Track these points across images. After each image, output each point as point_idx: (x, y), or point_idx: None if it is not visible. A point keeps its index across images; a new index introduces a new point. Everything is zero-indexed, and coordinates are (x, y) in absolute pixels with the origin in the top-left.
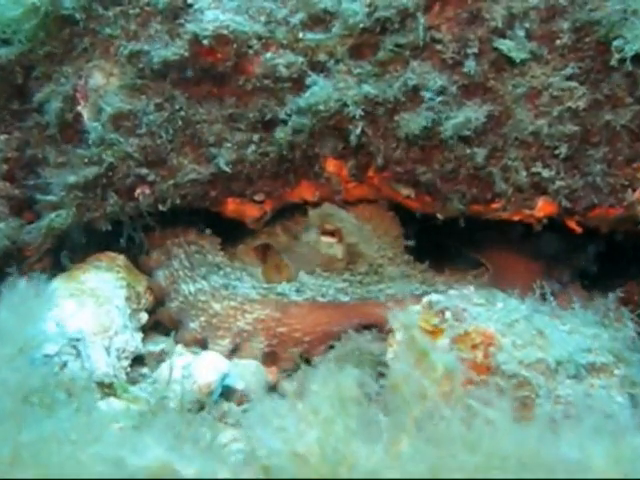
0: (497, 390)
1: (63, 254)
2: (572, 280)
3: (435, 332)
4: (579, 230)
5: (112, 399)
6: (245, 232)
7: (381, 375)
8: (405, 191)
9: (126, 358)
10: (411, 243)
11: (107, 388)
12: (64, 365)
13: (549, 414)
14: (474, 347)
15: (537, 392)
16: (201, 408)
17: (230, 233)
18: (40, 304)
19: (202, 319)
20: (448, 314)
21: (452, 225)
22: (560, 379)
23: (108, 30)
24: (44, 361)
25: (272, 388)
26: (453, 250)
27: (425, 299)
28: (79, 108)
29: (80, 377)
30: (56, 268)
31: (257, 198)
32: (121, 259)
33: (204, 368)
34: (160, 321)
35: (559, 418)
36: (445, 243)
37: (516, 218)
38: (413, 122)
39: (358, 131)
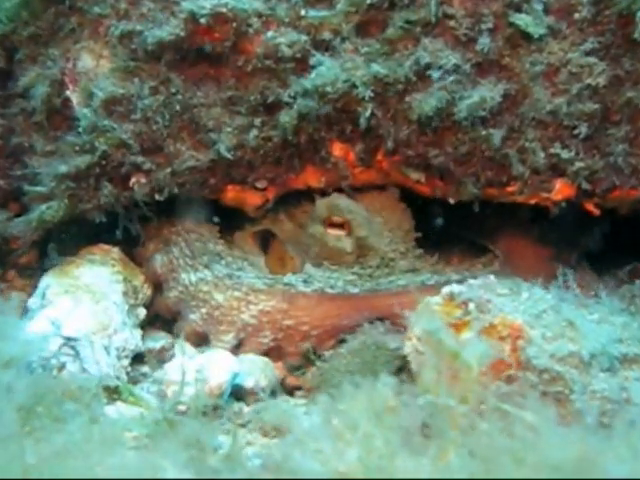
0: (529, 386)
1: (51, 247)
2: (579, 262)
3: (459, 325)
4: (597, 212)
5: (120, 404)
6: (242, 219)
7: (399, 370)
8: (415, 175)
9: (126, 357)
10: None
11: (112, 392)
12: (62, 367)
13: (589, 414)
14: (501, 340)
15: (571, 387)
16: (213, 409)
17: (226, 220)
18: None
19: (203, 310)
20: (472, 305)
21: (457, 210)
22: (594, 373)
23: (97, 9)
24: (42, 364)
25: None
26: (457, 235)
27: (446, 290)
28: (68, 93)
29: (87, 383)
30: (43, 261)
31: (259, 185)
32: (115, 252)
33: (215, 368)
34: (157, 312)
35: (597, 415)
36: (450, 229)
37: (532, 201)
38: (425, 103)
39: (368, 113)
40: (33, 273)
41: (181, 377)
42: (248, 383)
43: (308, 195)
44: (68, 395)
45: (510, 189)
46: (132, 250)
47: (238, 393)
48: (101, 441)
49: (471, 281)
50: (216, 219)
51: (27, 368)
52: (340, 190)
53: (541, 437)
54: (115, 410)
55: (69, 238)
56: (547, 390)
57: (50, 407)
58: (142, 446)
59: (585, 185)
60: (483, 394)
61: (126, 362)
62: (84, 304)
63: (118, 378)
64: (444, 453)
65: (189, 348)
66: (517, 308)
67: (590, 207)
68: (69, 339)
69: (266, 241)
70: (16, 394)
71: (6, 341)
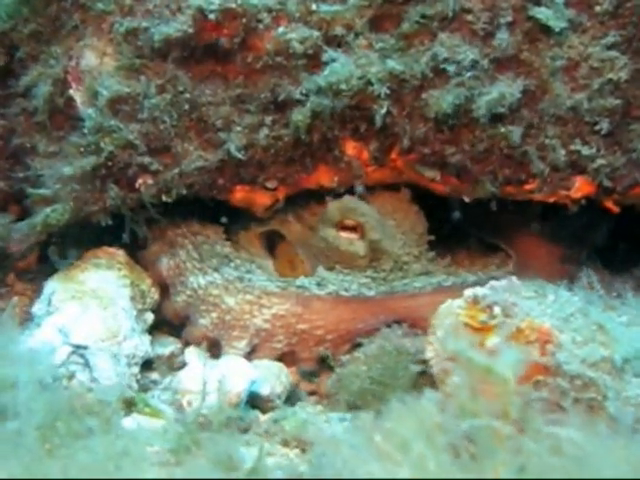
0: (559, 392)
1: (51, 250)
2: (592, 260)
3: (483, 330)
4: (616, 210)
5: (137, 415)
6: (246, 220)
7: (420, 375)
8: (430, 174)
9: (136, 364)
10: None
11: (128, 403)
12: (72, 376)
13: (624, 421)
14: (529, 345)
15: (604, 394)
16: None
17: (230, 220)
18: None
19: (214, 315)
20: (497, 309)
21: (468, 209)
22: (627, 378)
23: (100, 5)
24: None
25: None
26: (465, 234)
27: (468, 293)
28: (71, 92)
29: (106, 395)
30: (42, 265)
31: (269, 185)
32: (121, 255)
33: (233, 376)
34: (163, 317)
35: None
36: (460, 227)
37: (551, 200)
38: (443, 100)
39: (383, 111)
40: (33, 277)
41: (202, 387)
42: (264, 390)
43: (316, 196)
44: (86, 409)
45: (528, 187)
46: (134, 253)
47: (253, 401)
48: (127, 460)
49: (494, 283)
50: (224, 219)
51: (39, 383)
52: (352, 190)
53: (589, 456)
54: (132, 422)
55: (69, 240)
56: (579, 397)
57: (69, 423)
58: (165, 462)
59: (606, 182)
60: (524, 407)
61: (136, 370)
62: (92, 310)
63: (129, 387)
64: (495, 474)
65: (213, 360)
66: (544, 311)
67: (609, 204)
68: (78, 347)
69: (271, 243)
70: (34, 412)
71: (9, 360)
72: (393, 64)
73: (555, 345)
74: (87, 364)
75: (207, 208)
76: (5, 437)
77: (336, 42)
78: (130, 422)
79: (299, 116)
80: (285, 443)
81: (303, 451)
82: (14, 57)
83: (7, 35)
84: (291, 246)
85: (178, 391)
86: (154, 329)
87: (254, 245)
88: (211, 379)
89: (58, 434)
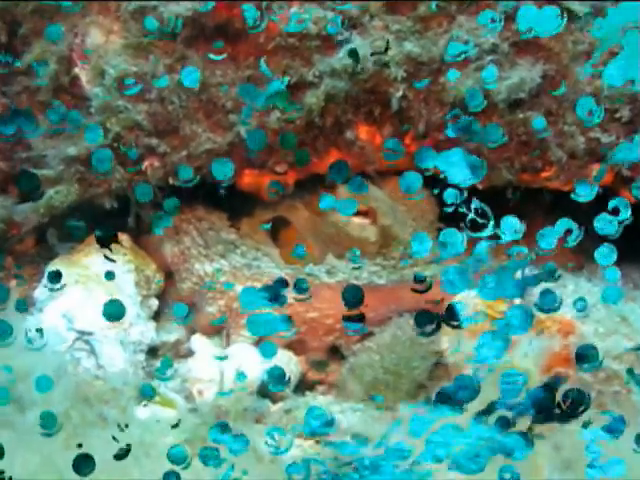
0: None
1: (50, 232)
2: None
3: None
4: (633, 200)
5: (150, 405)
6: (250, 206)
7: (435, 366)
8: None
9: (141, 351)
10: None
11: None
12: (77, 363)
13: None
14: (550, 336)
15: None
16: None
17: (233, 206)
18: None
19: (221, 303)
20: (517, 299)
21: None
22: None
23: None
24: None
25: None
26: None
27: None
28: (76, 70)
29: (120, 384)
30: (40, 248)
31: (279, 169)
32: (125, 239)
33: (246, 365)
34: (169, 304)
35: None
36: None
37: (567, 188)
38: (462, 84)
39: (399, 94)
40: (31, 260)
41: (220, 377)
42: None
43: (324, 181)
44: (99, 398)
45: (545, 174)
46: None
47: (262, 390)
48: (145, 452)
49: None
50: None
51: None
52: (362, 175)
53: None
54: (144, 411)
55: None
56: (603, 390)
57: (83, 411)
58: None
59: (625, 171)
60: None
61: (142, 357)
62: (96, 295)
63: (137, 375)
64: (539, 469)
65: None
66: (565, 302)
67: (627, 194)
68: (83, 333)
69: (275, 229)
70: (50, 402)
71: (18, 349)
72: (411, 47)
73: (577, 337)
74: (92, 351)
75: (210, 193)
76: (25, 428)
77: (351, 23)
78: (143, 411)
79: (313, 98)
80: (299, 434)
81: (317, 442)
82: (16, 33)
83: (9, 11)
84: (297, 233)
85: (187, 379)
86: (157, 315)
87: (258, 232)
88: (225, 368)
89: (72, 423)
